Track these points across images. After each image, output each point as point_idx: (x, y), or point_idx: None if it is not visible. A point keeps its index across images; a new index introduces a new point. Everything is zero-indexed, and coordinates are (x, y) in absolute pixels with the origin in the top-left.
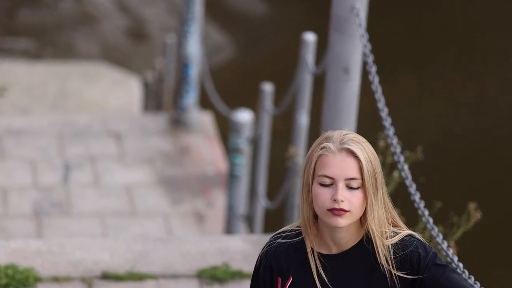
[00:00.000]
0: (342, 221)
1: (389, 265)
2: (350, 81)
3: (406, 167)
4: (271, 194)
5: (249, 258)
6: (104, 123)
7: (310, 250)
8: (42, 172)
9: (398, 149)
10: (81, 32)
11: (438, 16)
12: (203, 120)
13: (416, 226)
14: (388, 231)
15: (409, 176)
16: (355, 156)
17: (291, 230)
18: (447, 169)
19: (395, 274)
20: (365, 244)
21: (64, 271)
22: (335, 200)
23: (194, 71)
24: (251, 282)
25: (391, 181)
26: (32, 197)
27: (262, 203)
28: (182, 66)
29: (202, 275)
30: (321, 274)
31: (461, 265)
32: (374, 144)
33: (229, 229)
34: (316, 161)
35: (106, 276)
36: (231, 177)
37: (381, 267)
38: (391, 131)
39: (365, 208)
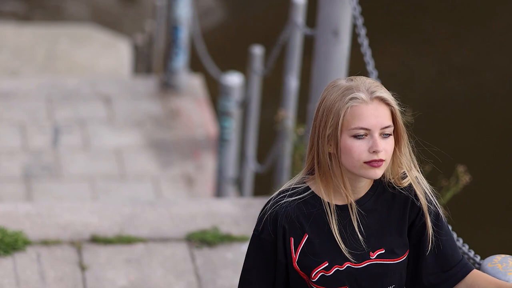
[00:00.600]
0: (379, 172)
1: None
2: (339, 44)
3: None
4: (260, 157)
5: (239, 221)
6: (93, 86)
7: (327, 203)
8: (31, 135)
9: None
10: None
11: None
12: (193, 83)
13: None
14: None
15: None
16: (387, 103)
17: (294, 188)
18: (435, 132)
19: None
20: (378, 188)
21: (53, 234)
22: (374, 151)
23: (184, 34)
24: (250, 253)
25: None
26: (21, 161)
27: (251, 166)
28: (172, 29)
29: (191, 238)
30: (345, 228)
31: (449, 227)
32: None
33: (218, 192)
34: (345, 113)
35: (95, 239)
36: (221, 140)
37: (401, 209)
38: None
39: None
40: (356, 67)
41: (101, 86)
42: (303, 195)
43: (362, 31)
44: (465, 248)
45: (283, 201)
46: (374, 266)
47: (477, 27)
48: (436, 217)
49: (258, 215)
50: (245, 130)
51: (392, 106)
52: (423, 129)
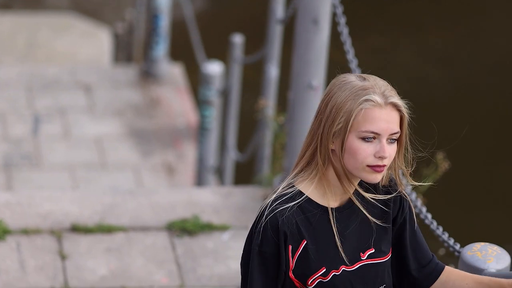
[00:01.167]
0: (380, 177)
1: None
2: (319, 33)
3: None
4: (241, 146)
5: (219, 210)
6: (73, 74)
7: (325, 207)
8: (11, 124)
9: None
10: None
11: None
12: (173, 71)
13: None
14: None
15: None
16: (398, 110)
17: (287, 193)
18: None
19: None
20: (368, 186)
21: (33, 223)
22: (380, 157)
23: (165, 22)
24: (253, 272)
25: None
26: (1, 149)
27: (232, 155)
28: (152, 17)
29: (172, 227)
30: (341, 230)
31: (429, 215)
32: None
33: (199, 181)
34: (357, 114)
35: (75, 228)
36: (201, 129)
37: (384, 205)
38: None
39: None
40: (336, 56)
41: (81, 75)
42: (298, 200)
43: (342, 20)
44: (445, 236)
45: (280, 208)
46: (366, 267)
47: (459, 16)
48: (412, 213)
49: (250, 230)
50: (226, 118)
51: (403, 113)
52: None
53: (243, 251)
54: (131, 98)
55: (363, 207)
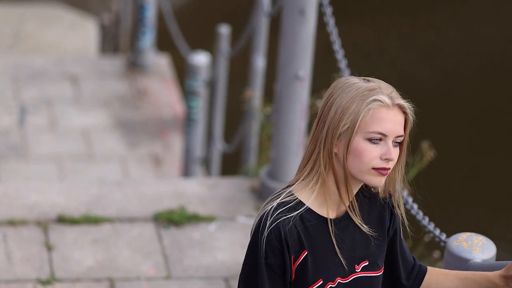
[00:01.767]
0: (383, 180)
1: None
2: (305, 23)
3: None
4: (228, 137)
5: (205, 201)
6: (60, 65)
7: (325, 218)
8: None
9: None
10: None
11: None
12: (160, 62)
13: None
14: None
15: None
16: (404, 112)
17: (286, 202)
18: None
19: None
20: (363, 199)
21: (19, 214)
22: (386, 159)
23: (151, 13)
24: (262, 283)
25: None
26: None
27: (218, 146)
28: (139, 8)
29: (158, 218)
30: (339, 242)
31: (415, 206)
32: (329, 85)
33: (186, 172)
34: (365, 114)
35: (61, 220)
36: (188, 120)
37: (380, 217)
38: (346, 73)
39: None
40: (322, 46)
41: (68, 66)
42: (299, 211)
43: (328, 10)
44: (431, 226)
45: (283, 218)
46: (360, 279)
47: (443, 8)
48: (399, 222)
49: (252, 240)
50: (212, 109)
51: (408, 116)
52: None
53: (244, 264)
54: (117, 89)
55: (360, 218)
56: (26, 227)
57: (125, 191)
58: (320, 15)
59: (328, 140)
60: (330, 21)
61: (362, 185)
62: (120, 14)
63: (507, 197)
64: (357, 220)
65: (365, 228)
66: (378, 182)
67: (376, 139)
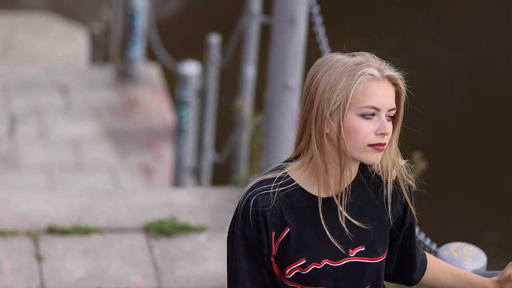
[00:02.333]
0: (380, 157)
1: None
2: (295, 32)
3: None
4: (218, 146)
5: (196, 211)
6: (50, 75)
7: (315, 197)
8: None
9: None
10: None
11: None
12: (150, 72)
13: None
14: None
15: None
16: (394, 84)
17: (274, 178)
18: None
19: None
20: (362, 179)
21: (9, 224)
22: (382, 134)
23: (141, 23)
24: (238, 259)
25: None
26: None
27: (209, 156)
28: (129, 17)
29: (149, 228)
30: (330, 222)
31: None
32: None
33: (176, 182)
34: (355, 89)
35: (52, 230)
36: (178, 130)
37: (385, 200)
38: None
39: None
40: (312, 56)
41: (58, 75)
42: (287, 187)
43: (318, 19)
44: (422, 236)
45: (263, 191)
46: (352, 265)
47: (432, 16)
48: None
49: (233, 215)
50: (203, 119)
51: (400, 87)
52: None
53: (228, 232)
54: (107, 99)
55: (357, 203)
56: (16, 237)
57: (115, 201)
58: (310, 24)
59: (319, 120)
60: (320, 30)
61: (367, 171)
62: (110, 24)
63: (499, 205)
64: (340, 208)
65: (343, 216)
66: (374, 159)
67: (369, 114)
